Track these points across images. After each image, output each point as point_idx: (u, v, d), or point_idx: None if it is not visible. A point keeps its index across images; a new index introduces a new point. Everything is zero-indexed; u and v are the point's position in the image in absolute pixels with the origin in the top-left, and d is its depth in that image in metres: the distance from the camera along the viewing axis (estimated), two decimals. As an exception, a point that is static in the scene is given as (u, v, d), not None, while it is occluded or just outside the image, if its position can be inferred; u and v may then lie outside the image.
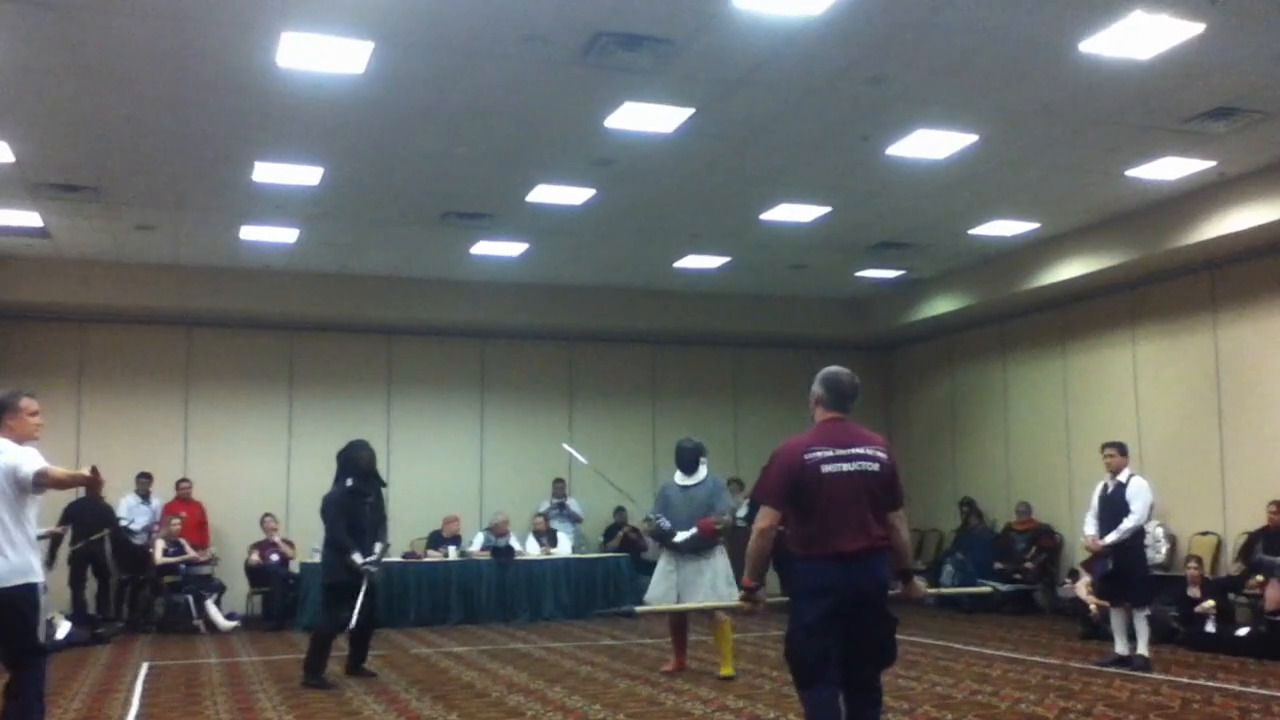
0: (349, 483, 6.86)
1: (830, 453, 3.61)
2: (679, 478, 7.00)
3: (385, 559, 7.25)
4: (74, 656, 8.13)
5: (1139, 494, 6.94)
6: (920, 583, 3.98)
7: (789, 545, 3.71)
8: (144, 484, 10.65)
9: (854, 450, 3.64)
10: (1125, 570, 6.97)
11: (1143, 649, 6.89)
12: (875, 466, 3.65)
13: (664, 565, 6.92)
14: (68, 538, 9.73)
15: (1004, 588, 5.64)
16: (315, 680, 6.64)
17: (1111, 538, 6.94)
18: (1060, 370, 11.23)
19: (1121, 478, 7.04)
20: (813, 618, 3.56)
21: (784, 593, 3.87)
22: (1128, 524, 6.89)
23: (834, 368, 3.86)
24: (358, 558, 6.67)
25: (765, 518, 3.64)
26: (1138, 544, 7.06)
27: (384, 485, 7.14)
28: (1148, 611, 7.03)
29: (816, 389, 3.82)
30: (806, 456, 3.60)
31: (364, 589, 6.70)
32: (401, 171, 7.98)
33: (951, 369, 12.91)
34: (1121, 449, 7.19)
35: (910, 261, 11.08)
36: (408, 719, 5.63)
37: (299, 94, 6.36)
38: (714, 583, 6.65)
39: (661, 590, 6.84)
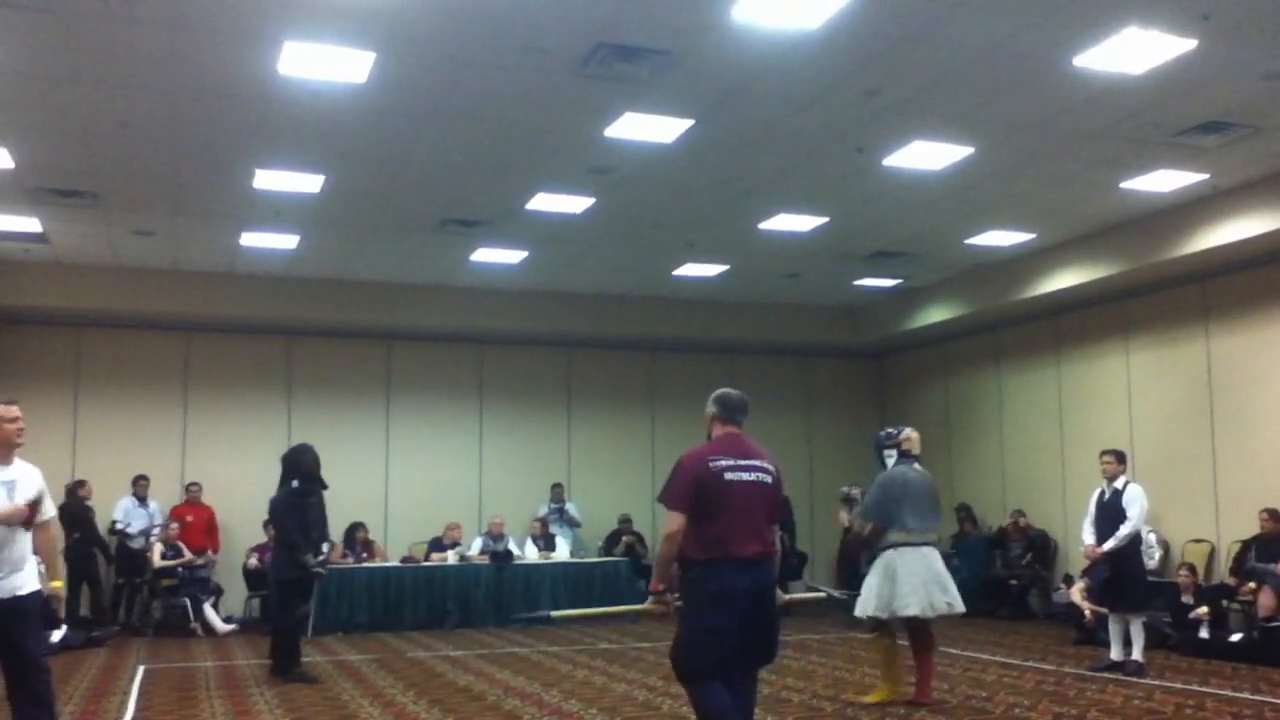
0: (294, 484, 7.11)
1: (731, 461, 3.84)
2: None
3: (330, 562, 7.79)
4: (69, 659, 8.14)
5: (1135, 500, 7.01)
6: (780, 593, 4.20)
7: (685, 551, 3.84)
8: (141, 487, 10.66)
9: (752, 462, 3.88)
10: (1122, 576, 7.04)
11: (1137, 654, 6.95)
12: (769, 479, 3.90)
13: None
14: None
15: (839, 594, 5.83)
16: (295, 675, 6.88)
17: (1109, 545, 7.01)
18: (1054, 379, 11.31)
19: (1118, 485, 7.12)
20: (714, 620, 3.76)
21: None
22: (1124, 530, 6.96)
23: (725, 389, 4.13)
24: (309, 558, 6.97)
25: (672, 522, 3.82)
26: (1135, 550, 7.14)
27: (325, 488, 7.33)
28: (1144, 617, 7.09)
29: (710, 408, 4.06)
30: (711, 464, 3.82)
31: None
32: (402, 179, 8.03)
33: (947, 376, 12.98)
34: (1119, 456, 7.29)
35: (907, 270, 11.16)
36: (406, 723, 5.67)
37: (300, 102, 6.41)
38: (868, 584, 5.92)
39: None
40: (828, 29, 5.49)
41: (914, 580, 5.77)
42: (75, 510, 10.01)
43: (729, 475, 3.80)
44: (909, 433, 6.13)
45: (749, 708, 3.89)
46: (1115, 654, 7.07)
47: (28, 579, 4.04)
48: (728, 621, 3.74)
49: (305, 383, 11.86)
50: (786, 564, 11.58)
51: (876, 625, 5.99)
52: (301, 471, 7.14)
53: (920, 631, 5.94)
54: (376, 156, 7.50)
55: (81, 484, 10.20)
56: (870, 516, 5.91)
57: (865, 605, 5.89)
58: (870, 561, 6.01)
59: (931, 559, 5.89)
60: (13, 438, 4.07)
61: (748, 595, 3.77)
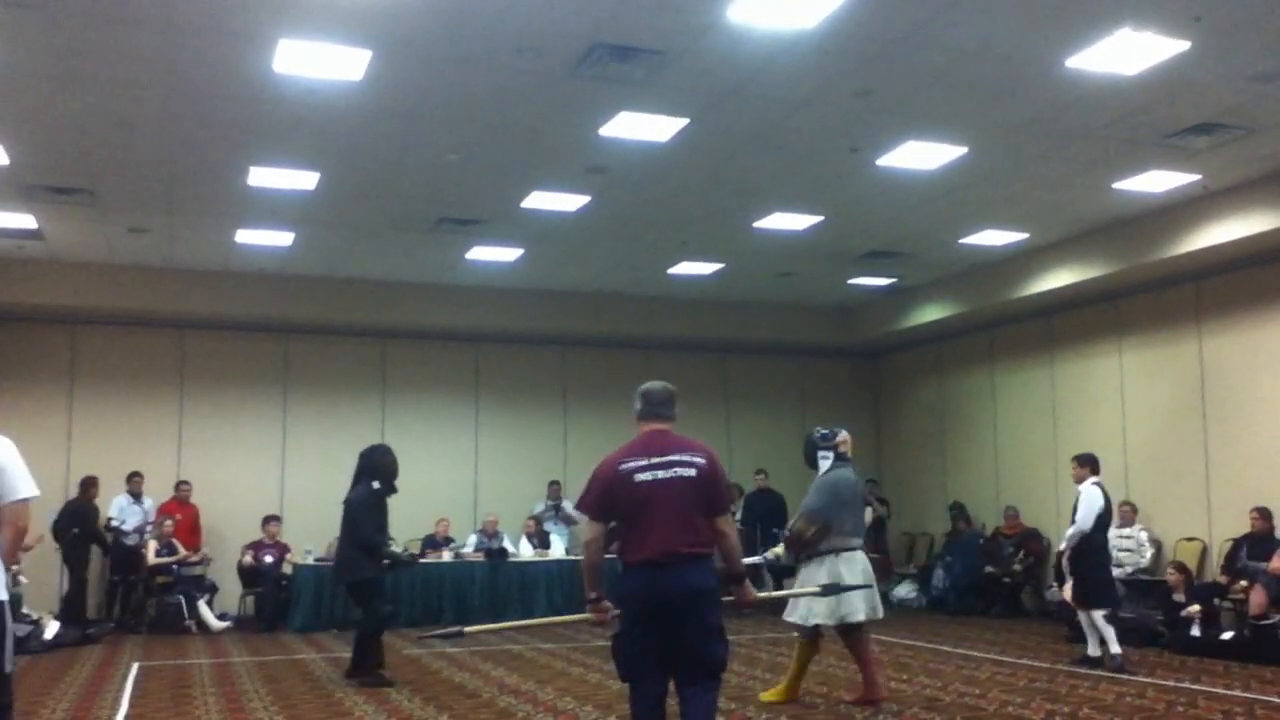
0: (375, 485, 6.98)
1: (644, 462, 3.69)
2: None
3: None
4: (63, 656, 8.15)
5: (1083, 503, 7.33)
6: (751, 588, 4.01)
7: (617, 554, 3.76)
8: (136, 484, 10.66)
9: (669, 458, 3.70)
10: (1079, 574, 7.32)
11: (1114, 649, 7.11)
12: (691, 472, 3.68)
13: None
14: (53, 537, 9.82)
15: (842, 585, 5.69)
16: (375, 679, 6.71)
17: (1060, 546, 7.45)
18: (1048, 378, 11.36)
19: (1082, 487, 7.41)
20: (628, 623, 3.67)
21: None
22: (1069, 531, 7.38)
23: (648, 382, 3.94)
24: (396, 548, 7.03)
25: (589, 530, 3.78)
26: (1091, 548, 7.32)
27: (395, 493, 7.22)
28: (1103, 612, 7.26)
29: (636, 404, 3.90)
30: (620, 468, 3.70)
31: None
32: (397, 177, 8.04)
33: (941, 375, 13.02)
34: (1082, 461, 7.55)
35: (900, 270, 11.19)
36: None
37: (295, 100, 6.41)
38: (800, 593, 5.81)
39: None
40: (823, 29, 5.52)
41: (858, 585, 5.75)
42: (80, 507, 10.06)
43: (639, 476, 3.66)
44: (845, 435, 6.08)
45: (699, 712, 3.63)
46: (1090, 649, 7.30)
47: None
48: (643, 626, 3.61)
49: (300, 381, 11.87)
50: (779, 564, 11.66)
51: (812, 631, 5.91)
52: (384, 473, 7.01)
53: (858, 633, 5.89)
54: (372, 155, 7.51)
55: (93, 481, 10.26)
56: (819, 520, 5.78)
57: (811, 613, 5.78)
58: (801, 563, 5.94)
59: (865, 563, 5.91)
60: None
61: (657, 599, 3.59)
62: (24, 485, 3.28)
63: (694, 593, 3.62)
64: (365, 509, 6.90)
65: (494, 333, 12.29)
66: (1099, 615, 7.21)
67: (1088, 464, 7.50)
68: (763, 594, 5.00)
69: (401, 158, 7.56)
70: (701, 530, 3.67)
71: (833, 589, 5.51)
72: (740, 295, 12.30)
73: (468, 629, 4.88)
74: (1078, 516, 7.29)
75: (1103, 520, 7.33)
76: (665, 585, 3.60)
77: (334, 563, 7.70)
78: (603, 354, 13.00)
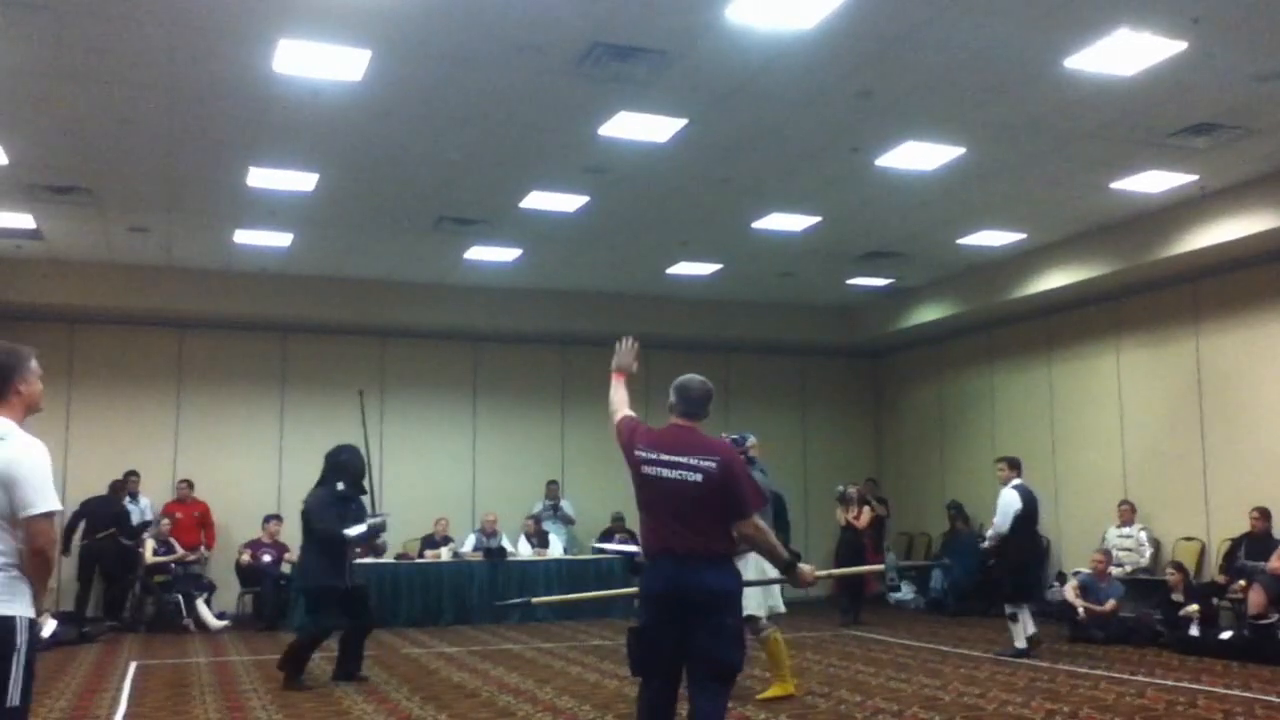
0: (339, 486, 6.87)
1: (654, 456, 3.61)
2: None
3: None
4: (61, 655, 8.15)
5: (1000, 506, 7.88)
6: (806, 568, 3.98)
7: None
8: (132, 483, 10.68)
9: (679, 459, 3.58)
10: (1009, 570, 7.95)
11: (1018, 643, 7.60)
12: (698, 477, 3.54)
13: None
14: (79, 533, 9.85)
15: (903, 563, 5.98)
16: (295, 683, 6.60)
17: (984, 545, 8.22)
18: (1046, 378, 11.37)
19: (1003, 490, 7.89)
20: (641, 619, 3.65)
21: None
22: (989, 532, 8.11)
23: (686, 376, 3.83)
24: (352, 531, 6.70)
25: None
26: (1014, 547, 7.89)
27: (365, 494, 7.10)
28: (1013, 609, 7.81)
29: (670, 396, 3.81)
30: (636, 452, 3.67)
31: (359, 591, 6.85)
32: (396, 178, 8.04)
33: (940, 375, 13.04)
34: (1010, 463, 7.99)
35: (899, 270, 11.20)
36: (398, 719, 5.69)
37: (295, 101, 6.41)
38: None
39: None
40: (822, 30, 5.52)
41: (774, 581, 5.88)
42: (114, 509, 10.16)
43: (646, 470, 3.59)
44: (754, 439, 6.26)
45: (706, 713, 3.57)
46: (1018, 641, 7.69)
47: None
48: (651, 623, 3.58)
49: (299, 380, 11.86)
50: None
51: (758, 624, 5.99)
52: (349, 475, 6.87)
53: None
54: (371, 155, 7.51)
55: (122, 485, 10.38)
56: None
57: (744, 606, 5.90)
58: None
59: None
60: (40, 400, 3.10)
61: (671, 596, 3.53)
62: (42, 499, 2.87)
63: (711, 593, 3.54)
64: (322, 508, 6.73)
65: (493, 332, 12.29)
66: (1010, 609, 7.77)
67: (1015, 466, 7.96)
68: (822, 571, 5.02)
69: (401, 158, 7.56)
70: (711, 535, 3.56)
71: (911, 567, 5.72)
72: (740, 295, 12.30)
73: (535, 600, 6.03)
74: (995, 520, 7.86)
75: (1024, 520, 7.81)
76: (683, 583, 3.53)
77: (295, 568, 7.60)
78: (602, 354, 12.68)
